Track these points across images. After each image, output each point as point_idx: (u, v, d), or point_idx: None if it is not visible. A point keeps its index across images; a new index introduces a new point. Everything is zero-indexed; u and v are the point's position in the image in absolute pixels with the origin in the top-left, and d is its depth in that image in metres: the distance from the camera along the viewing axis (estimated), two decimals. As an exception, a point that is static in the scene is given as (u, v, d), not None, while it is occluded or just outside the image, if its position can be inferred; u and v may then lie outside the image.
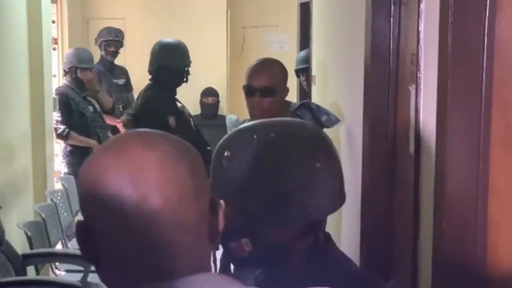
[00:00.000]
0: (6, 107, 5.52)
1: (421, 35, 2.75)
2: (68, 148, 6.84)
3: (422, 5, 2.75)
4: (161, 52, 5.23)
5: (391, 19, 3.62)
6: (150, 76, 5.35)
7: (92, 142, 6.84)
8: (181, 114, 5.19)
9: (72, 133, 6.74)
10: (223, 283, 1.21)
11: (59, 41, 7.82)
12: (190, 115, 5.36)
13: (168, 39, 5.47)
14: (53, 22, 7.21)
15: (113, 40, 7.64)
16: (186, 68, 5.26)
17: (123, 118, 6.77)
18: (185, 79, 5.27)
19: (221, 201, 1.34)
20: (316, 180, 1.68)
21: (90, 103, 7.00)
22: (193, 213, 1.22)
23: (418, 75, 2.78)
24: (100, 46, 7.69)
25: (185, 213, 1.20)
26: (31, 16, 6.04)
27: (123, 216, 1.18)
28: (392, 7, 3.62)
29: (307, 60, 6.12)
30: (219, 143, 1.78)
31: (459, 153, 2.33)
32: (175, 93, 5.26)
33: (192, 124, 5.33)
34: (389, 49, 3.64)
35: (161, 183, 1.19)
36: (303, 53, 6.44)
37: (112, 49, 7.66)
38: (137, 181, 1.18)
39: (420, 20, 2.76)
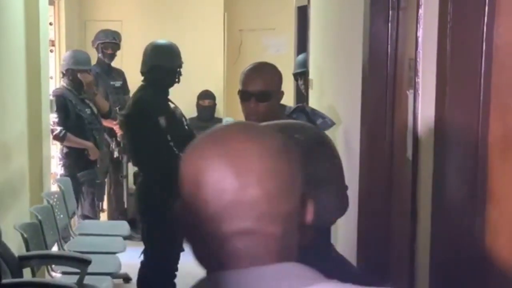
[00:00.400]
0: (3, 109, 5.51)
1: (420, 40, 2.76)
2: (65, 150, 6.84)
3: (420, 11, 2.76)
4: (153, 53, 5.24)
5: (389, 24, 3.64)
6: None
7: (88, 144, 6.85)
8: (172, 114, 5.19)
9: (69, 135, 6.74)
10: (307, 273, 1.26)
11: (56, 43, 7.81)
12: (183, 115, 5.37)
13: (160, 40, 5.48)
14: (50, 24, 7.21)
15: (110, 43, 7.65)
16: (178, 69, 5.27)
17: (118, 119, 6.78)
18: (177, 80, 5.29)
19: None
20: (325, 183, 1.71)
21: (88, 105, 7.00)
22: (286, 205, 1.26)
23: (416, 80, 2.79)
24: (97, 48, 7.69)
25: (279, 205, 1.25)
26: (29, 18, 6.03)
27: (221, 202, 1.24)
28: (390, 12, 3.63)
29: (305, 64, 6.13)
30: None
31: (457, 158, 2.34)
32: (167, 93, 5.26)
33: (185, 124, 5.33)
34: (387, 53, 3.66)
35: (262, 175, 1.24)
36: (301, 56, 6.45)
37: (109, 51, 7.66)
38: (239, 171, 1.24)
39: (418, 25, 2.78)
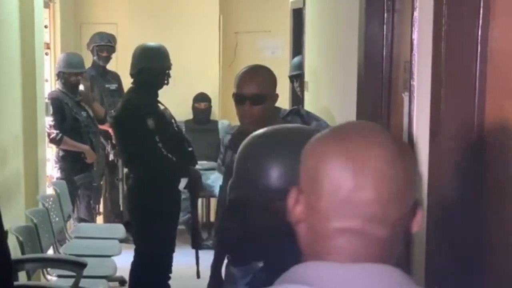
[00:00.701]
0: (-2, 111, 5.51)
1: (415, 42, 2.76)
2: (61, 153, 6.84)
3: (415, 13, 2.76)
4: (141, 55, 5.27)
5: (385, 26, 3.64)
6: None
7: (85, 147, 6.85)
8: (161, 116, 5.20)
9: (65, 138, 6.74)
10: (400, 278, 1.27)
11: (52, 46, 7.79)
12: (172, 117, 5.39)
13: (150, 42, 5.51)
14: (46, 26, 7.20)
15: (105, 45, 7.65)
16: (167, 71, 5.29)
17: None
18: (166, 82, 5.31)
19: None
20: None
21: (83, 108, 7.01)
22: (397, 211, 1.28)
23: (412, 83, 2.79)
24: (92, 51, 7.69)
25: (390, 209, 1.28)
26: (24, 20, 6.02)
27: (334, 198, 1.28)
28: (385, 14, 3.63)
29: (300, 66, 6.13)
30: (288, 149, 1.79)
31: (453, 161, 2.33)
32: (156, 95, 5.29)
33: (175, 126, 5.35)
34: (382, 56, 3.66)
35: (378, 178, 1.27)
36: (297, 59, 6.45)
37: (104, 54, 7.66)
38: (357, 172, 1.27)
39: (413, 28, 2.78)
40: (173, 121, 5.34)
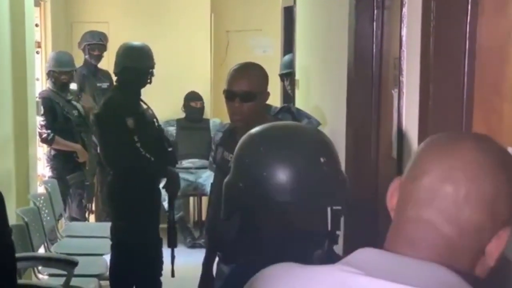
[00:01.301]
0: (-11, 111, 5.49)
1: (404, 39, 2.77)
2: (53, 152, 6.84)
3: (404, 10, 2.77)
4: (124, 54, 5.30)
5: (374, 23, 3.65)
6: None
7: (77, 146, 6.86)
8: (142, 115, 5.22)
9: (57, 138, 6.74)
10: (452, 281, 1.25)
11: (43, 45, 7.78)
12: (154, 116, 5.40)
13: (133, 42, 5.53)
14: (36, 25, 7.19)
15: (96, 44, 7.65)
16: (150, 70, 5.31)
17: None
18: (149, 81, 5.33)
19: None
20: None
21: (75, 107, 7.01)
22: (475, 215, 1.26)
23: (401, 79, 2.79)
24: (84, 49, 7.69)
25: (465, 212, 1.26)
26: (14, 19, 6.01)
27: (419, 182, 1.29)
28: (375, 11, 3.64)
29: (291, 64, 6.13)
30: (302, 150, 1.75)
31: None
32: (138, 94, 5.31)
33: (156, 125, 5.37)
34: (372, 53, 3.66)
35: (466, 178, 1.26)
36: (287, 57, 6.45)
37: (96, 52, 7.67)
38: (450, 165, 1.27)
39: (402, 24, 2.78)
40: (154, 120, 5.37)
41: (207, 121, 8.47)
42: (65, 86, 6.96)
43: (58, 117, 6.82)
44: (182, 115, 8.40)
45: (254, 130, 1.86)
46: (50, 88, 6.92)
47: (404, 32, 2.76)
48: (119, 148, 5.04)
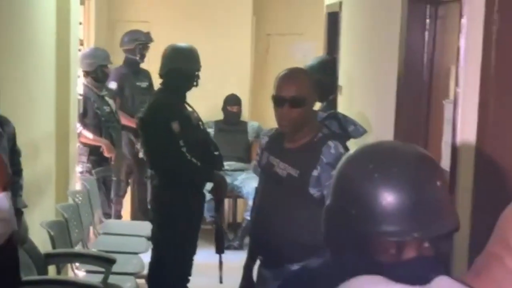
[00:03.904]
0: (33, 107, 5.54)
1: (461, 50, 2.74)
2: (80, 146, 6.91)
3: (463, 20, 2.74)
4: (172, 56, 5.19)
5: (426, 33, 3.63)
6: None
7: (102, 141, 6.93)
8: (187, 119, 5.13)
9: (84, 131, 6.80)
10: None
11: (85, 43, 7.83)
12: (199, 119, 5.31)
13: (180, 43, 5.43)
14: (80, 23, 7.24)
15: (147, 44, 7.70)
16: (196, 73, 5.23)
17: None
18: (195, 84, 5.24)
19: None
20: None
21: (107, 103, 7.07)
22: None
23: (457, 91, 2.77)
24: (134, 48, 7.67)
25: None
26: (60, 17, 6.06)
27: None
28: (427, 20, 3.62)
29: (319, 69, 5.90)
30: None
31: (500, 172, 2.31)
32: (184, 97, 5.21)
33: (202, 129, 5.29)
34: (423, 62, 3.64)
35: None
36: (315, 61, 6.19)
37: (145, 52, 7.71)
38: None
39: (460, 35, 2.76)
40: (200, 123, 5.28)
41: (245, 123, 8.47)
42: (102, 79, 7.04)
43: (88, 112, 6.90)
44: (220, 116, 8.41)
45: (360, 151, 1.73)
46: (84, 84, 6.99)
47: (462, 43, 2.73)
48: (164, 153, 4.95)
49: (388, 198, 1.56)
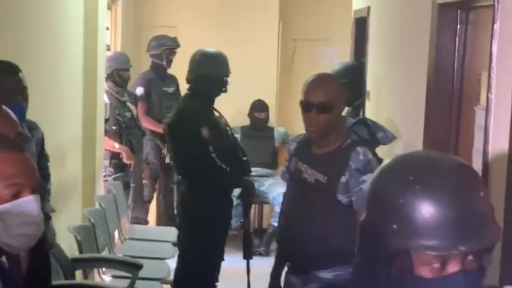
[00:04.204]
0: (60, 112, 5.56)
1: (494, 56, 2.71)
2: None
3: (496, 26, 2.71)
4: (200, 62, 5.13)
5: (457, 38, 3.59)
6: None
7: (122, 148, 6.96)
8: (216, 124, 5.09)
9: (104, 138, 6.82)
10: None
11: (112, 47, 7.86)
12: (227, 125, 5.28)
13: (209, 48, 5.39)
14: (107, 28, 7.26)
15: (174, 49, 7.71)
16: (225, 78, 5.18)
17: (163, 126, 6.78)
18: (224, 89, 5.20)
19: None
20: None
21: (128, 109, 7.07)
22: None
23: (489, 96, 2.73)
24: (161, 53, 7.68)
25: None
26: (88, 22, 6.08)
27: None
28: (458, 25, 3.58)
29: (346, 73, 5.85)
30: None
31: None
32: (212, 103, 5.17)
33: (230, 134, 5.25)
34: (453, 68, 3.61)
35: None
36: (341, 66, 6.14)
37: (172, 57, 7.72)
38: None
39: (493, 40, 2.72)
40: (228, 129, 5.26)
41: (271, 129, 8.45)
42: (120, 85, 7.06)
43: (109, 118, 6.92)
44: (246, 122, 8.39)
45: (396, 163, 1.67)
46: (107, 90, 6.97)
47: (494, 48, 2.70)
48: (194, 158, 4.92)
49: (432, 211, 1.51)
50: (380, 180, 1.61)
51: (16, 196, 1.83)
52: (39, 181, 1.91)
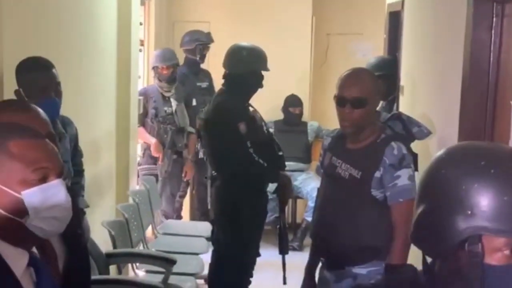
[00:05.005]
0: (94, 107, 5.58)
1: (530, 49, 2.67)
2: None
3: (532, 19, 2.67)
4: (237, 57, 5.08)
5: (493, 31, 3.54)
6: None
7: (152, 140, 7.07)
8: (252, 119, 5.06)
9: (139, 128, 6.96)
10: None
11: (145, 43, 7.89)
12: (262, 119, 5.24)
13: (245, 43, 5.29)
14: (140, 24, 7.30)
15: (208, 44, 7.73)
16: (261, 73, 5.10)
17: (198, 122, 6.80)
18: (260, 85, 5.12)
19: None
20: None
21: (170, 105, 7.13)
22: None
23: (526, 91, 2.69)
24: (194, 49, 7.68)
25: None
26: (121, 17, 6.10)
27: None
28: (494, 19, 3.54)
29: (380, 67, 5.82)
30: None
31: None
32: (249, 98, 5.13)
33: (265, 129, 5.22)
34: (489, 62, 3.56)
35: None
36: (374, 60, 6.13)
37: (205, 52, 7.74)
38: None
39: (529, 33, 2.68)
40: (263, 124, 5.24)
41: (305, 124, 8.42)
42: (167, 81, 7.15)
43: (148, 113, 7.11)
44: (280, 116, 8.38)
45: (457, 151, 1.66)
46: (154, 85, 7.23)
47: (530, 42, 2.66)
48: (232, 154, 4.90)
49: (510, 193, 1.50)
50: (444, 169, 1.58)
51: (43, 180, 1.89)
52: (63, 166, 1.96)
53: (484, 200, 1.50)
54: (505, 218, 1.49)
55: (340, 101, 3.60)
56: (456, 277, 1.55)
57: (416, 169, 3.62)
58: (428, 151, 4.46)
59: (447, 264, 1.57)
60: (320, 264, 3.88)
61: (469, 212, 1.51)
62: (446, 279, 1.59)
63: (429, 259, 1.66)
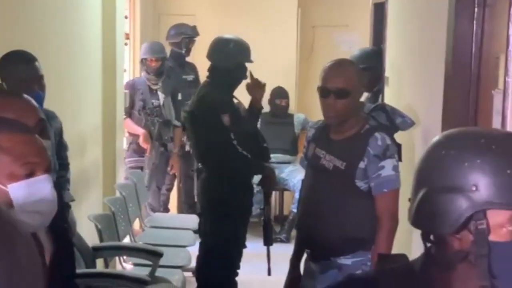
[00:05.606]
0: (80, 100, 5.58)
1: (510, 39, 2.68)
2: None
3: (512, 9, 2.68)
4: (219, 49, 5.07)
5: (475, 22, 3.56)
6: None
7: (140, 131, 7.10)
8: (236, 111, 5.06)
9: (126, 120, 6.99)
10: None
11: (131, 36, 7.88)
12: (246, 111, 5.27)
13: (229, 35, 5.26)
14: (126, 17, 7.29)
15: (193, 38, 7.74)
16: (245, 65, 5.09)
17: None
18: (244, 76, 5.13)
19: None
20: None
21: (157, 97, 7.15)
22: None
23: (506, 80, 2.71)
24: (180, 42, 7.70)
25: None
26: (106, 11, 6.09)
27: None
28: (476, 9, 3.55)
29: (364, 59, 5.82)
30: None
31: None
32: (233, 90, 5.11)
33: (250, 121, 5.23)
34: (471, 52, 3.57)
35: None
36: (359, 52, 6.12)
37: (191, 45, 7.76)
38: None
39: (510, 23, 2.70)
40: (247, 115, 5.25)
41: (291, 116, 8.44)
42: (155, 73, 7.18)
43: (135, 104, 7.15)
44: (266, 109, 8.38)
45: (454, 134, 1.66)
46: (142, 76, 7.30)
47: (511, 31, 2.68)
48: (216, 146, 4.90)
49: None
50: (444, 150, 1.58)
51: (30, 175, 1.91)
52: (50, 161, 1.97)
53: (487, 175, 1.52)
54: (510, 190, 1.52)
55: (324, 92, 3.61)
56: (457, 259, 1.56)
57: (400, 159, 3.64)
58: (411, 141, 4.48)
59: (450, 247, 1.58)
60: (305, 256, 3.89)
61: (474, 189, 1.52)
62: (447, 263, 1.60)
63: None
